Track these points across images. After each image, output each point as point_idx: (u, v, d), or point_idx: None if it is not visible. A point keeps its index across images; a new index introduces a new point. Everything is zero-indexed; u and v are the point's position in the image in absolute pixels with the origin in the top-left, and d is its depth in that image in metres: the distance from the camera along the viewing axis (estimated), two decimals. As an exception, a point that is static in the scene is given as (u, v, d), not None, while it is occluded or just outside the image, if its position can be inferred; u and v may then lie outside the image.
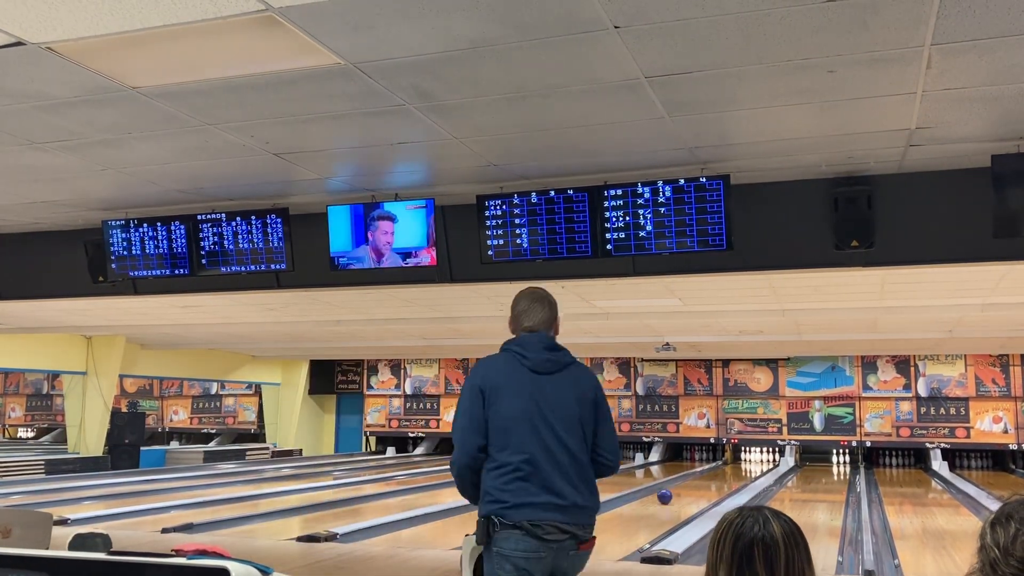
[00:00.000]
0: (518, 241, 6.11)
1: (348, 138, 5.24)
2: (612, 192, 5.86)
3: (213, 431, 23.19)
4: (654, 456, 19.42)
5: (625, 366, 19.80)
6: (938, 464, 17.39)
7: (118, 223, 7.10)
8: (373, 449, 21.78)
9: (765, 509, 1.92)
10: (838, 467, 18.71)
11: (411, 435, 21.28)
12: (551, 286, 8.10)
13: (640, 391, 19.71)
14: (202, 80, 4.28)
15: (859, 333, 13.16)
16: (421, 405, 21.14)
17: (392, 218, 6.39)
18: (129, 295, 7.94)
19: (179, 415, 23.60)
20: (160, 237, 7.01)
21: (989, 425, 17.57)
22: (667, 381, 19.55)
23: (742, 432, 19.04)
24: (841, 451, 19.03)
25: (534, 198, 6.04)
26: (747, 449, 19.53)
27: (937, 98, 4.45)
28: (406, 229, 6.38)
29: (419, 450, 21.35)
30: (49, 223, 7.69)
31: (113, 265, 7.19)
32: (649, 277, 6.75)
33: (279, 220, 6.68)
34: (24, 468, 15.20)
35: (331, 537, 8.01)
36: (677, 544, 7.80)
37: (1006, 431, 17.45)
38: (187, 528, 8.57)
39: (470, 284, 7.20)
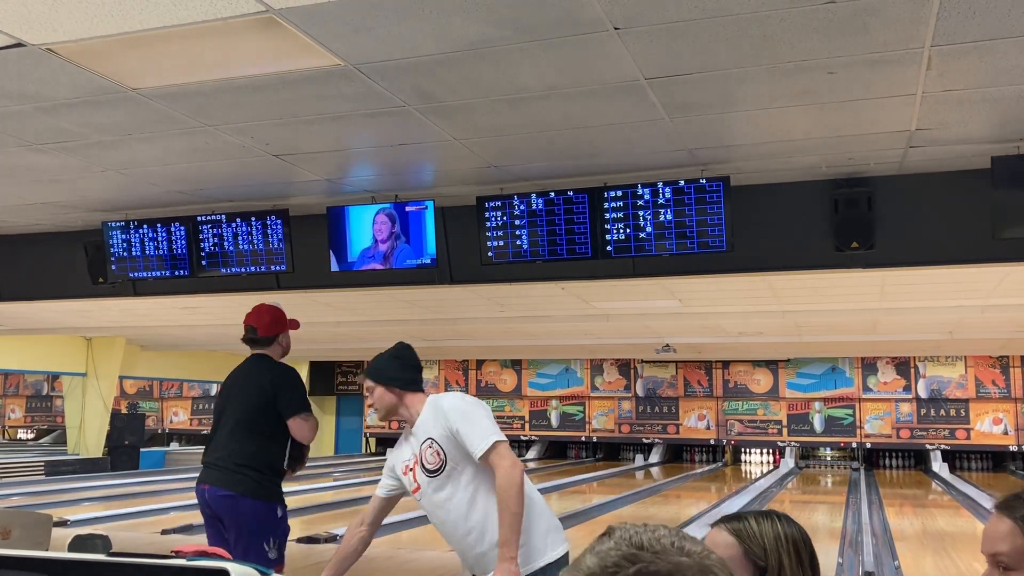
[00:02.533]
0: (518, 242, 6.11)
1: (348, 140, 5.23)
2: (612, 194, 5.85)
3: (213, 432, 23.16)
4: (654, 457, 19.42)
5: (625, 367, 19.79)
6: (938, 465, 17.37)
7: (118, 224, 7.10)
8: (373, 451, 21.75)
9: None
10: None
11: (411, 436, 21.23)
12: (551, 287, 8.17)
13: (640, 392, 19.70)
14: (202, 81, 4.27)
15: (859, 335, 13.16)
16: (421, 406, 21.09)
17: (392, 219, 6.39)
18: (129, 296, 7.94)
19: (179, 416, 23.59)
20: (160, 238, 7.00)
21: (989, 426, 17.56)
22: (667, 382, 19.54)
23: (742, 434, 19.03)
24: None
25: (534, 199, 6.04)
26: (747, 451, 19.52)
27: (937, 99, 4.44)
28: (406, 231, 6.38)
29: (418, 451, 21.30)
30: (49, 224, 7.68)
31: (113, 266, 7.18)
32: (649, 279, 6.75)
33: (279, 221, 6.68)
34: (24, 469, 15.20)
35: (331, 538, 8.00)
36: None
37: (1006, 433, 17.44)
38: (187, 529, 8.56)
39: (470, 285, 7.19)
